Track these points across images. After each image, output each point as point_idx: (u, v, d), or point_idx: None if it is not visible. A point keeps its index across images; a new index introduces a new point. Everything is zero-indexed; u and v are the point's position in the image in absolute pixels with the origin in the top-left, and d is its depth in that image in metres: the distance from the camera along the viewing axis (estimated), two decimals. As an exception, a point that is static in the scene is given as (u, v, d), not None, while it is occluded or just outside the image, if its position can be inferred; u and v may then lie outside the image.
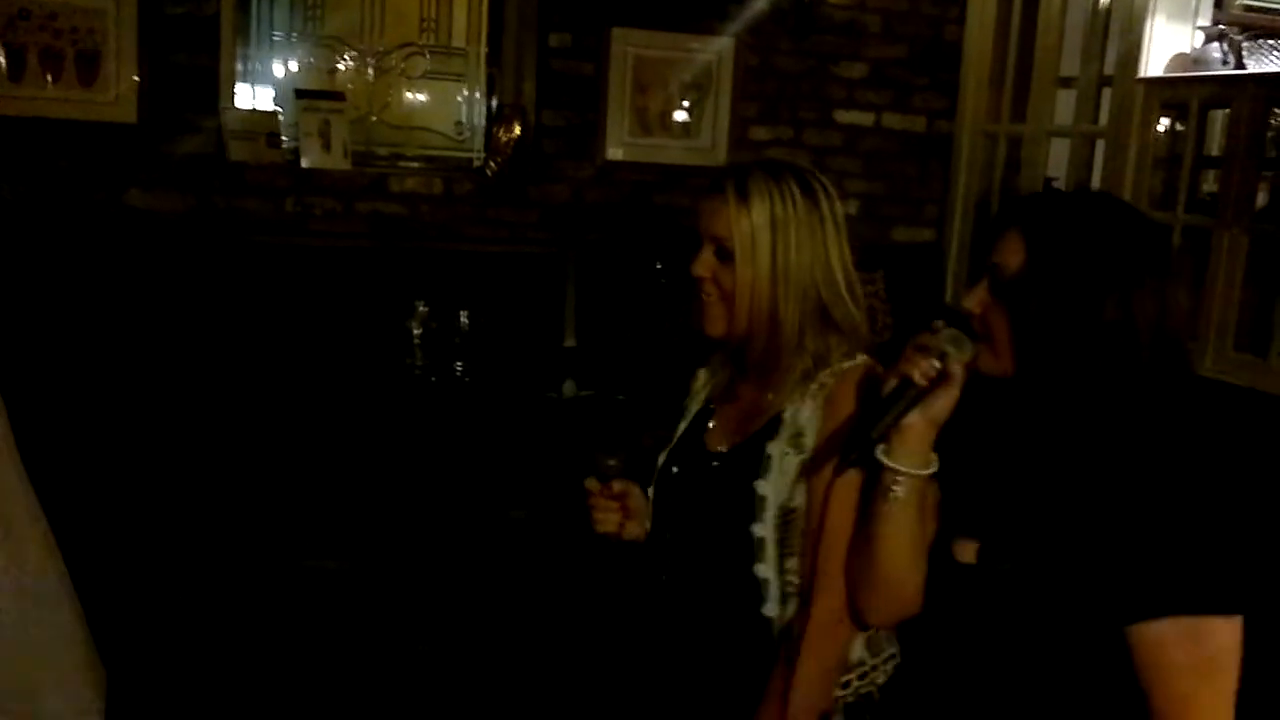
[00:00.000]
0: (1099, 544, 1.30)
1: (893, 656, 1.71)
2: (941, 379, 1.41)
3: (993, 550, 1.42)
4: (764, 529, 1.67)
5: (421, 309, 3.82)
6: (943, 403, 1.43)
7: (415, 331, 3.81)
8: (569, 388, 3.84)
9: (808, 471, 1.65)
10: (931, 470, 1.46)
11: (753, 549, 1.68)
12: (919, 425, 1.43)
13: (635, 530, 1.89)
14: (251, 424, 3.51)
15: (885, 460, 1.45)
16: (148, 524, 3.30)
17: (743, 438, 1.75)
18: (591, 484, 1.86)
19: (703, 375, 1.94)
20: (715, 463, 1.77)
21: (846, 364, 1.69)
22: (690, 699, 1.78)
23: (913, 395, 1.42)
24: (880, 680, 1.70)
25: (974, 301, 1.43)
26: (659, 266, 4.13)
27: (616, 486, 1.86)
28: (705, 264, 1.74)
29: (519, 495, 3.61)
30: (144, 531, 3.27)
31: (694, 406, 1.92)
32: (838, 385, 1.66)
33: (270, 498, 3.42)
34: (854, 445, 1.46)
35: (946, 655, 1.47)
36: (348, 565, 3.41)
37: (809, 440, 1.66)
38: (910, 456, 1.44)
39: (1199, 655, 1.27)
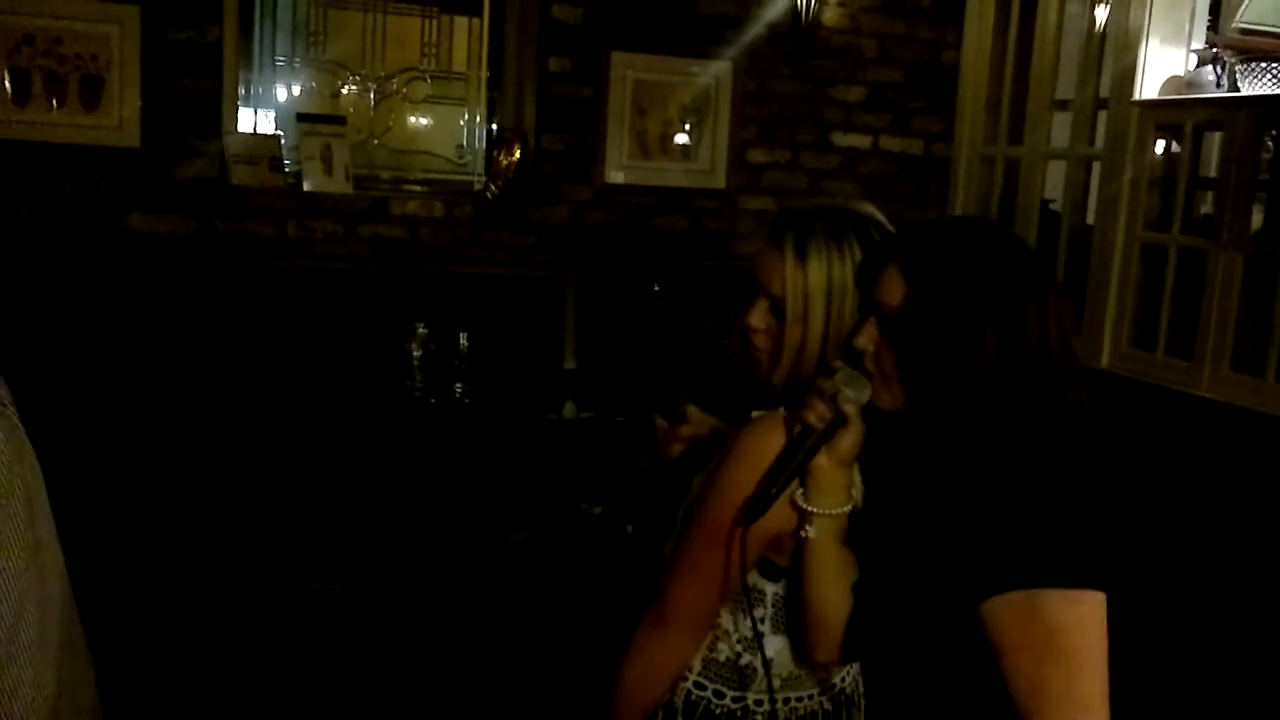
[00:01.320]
0: (955, 536, 1.34)
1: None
2: (840, 420, 1.45)
3: (874, 570, 1.49)
4: (670, 547, 1.72)
5: (421, 331, 3.83)
6: (845, 443, 1.46)
7: (415, 353, 3.83)
8: (569, 409, 3.85)
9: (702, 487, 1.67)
10: (847, 509, 1.50)
11: (671, 530, 1.74)
12: (825, 466, 1.47)
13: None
14: (253, 446, 3.52)
15: (801, 504, 1.49)
16: (149, 545, 3.30)
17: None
18: (659, 420, 1.87)
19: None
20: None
21: (755, 413, 1.70)
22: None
23: (814, 440, 1.46)
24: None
25: (864, 339, 1.46)
26: (658, 289, 4.16)
27: (686, 430, 1.87)
28: (759, 316, 1.70)
29: (519, 517, 3.62)
30: (145, 552, 3.28)
31: None
32: (741, 429, 1.66)
33: (271, 519, 3.43)
34: (763, 495, 1.48)
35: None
36: (348, 587, 3.42)
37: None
38: (823, 497, 1.48)
39: (1033, 632, 1.27)
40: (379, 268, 3.96)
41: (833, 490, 1.49)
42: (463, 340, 3.90)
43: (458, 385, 3.87)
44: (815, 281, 1.63)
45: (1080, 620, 1.28)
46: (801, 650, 1.61)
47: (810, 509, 1.48)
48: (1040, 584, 1.27)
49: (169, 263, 3.73)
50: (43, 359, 3.42)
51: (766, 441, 1.57)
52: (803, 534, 1.50)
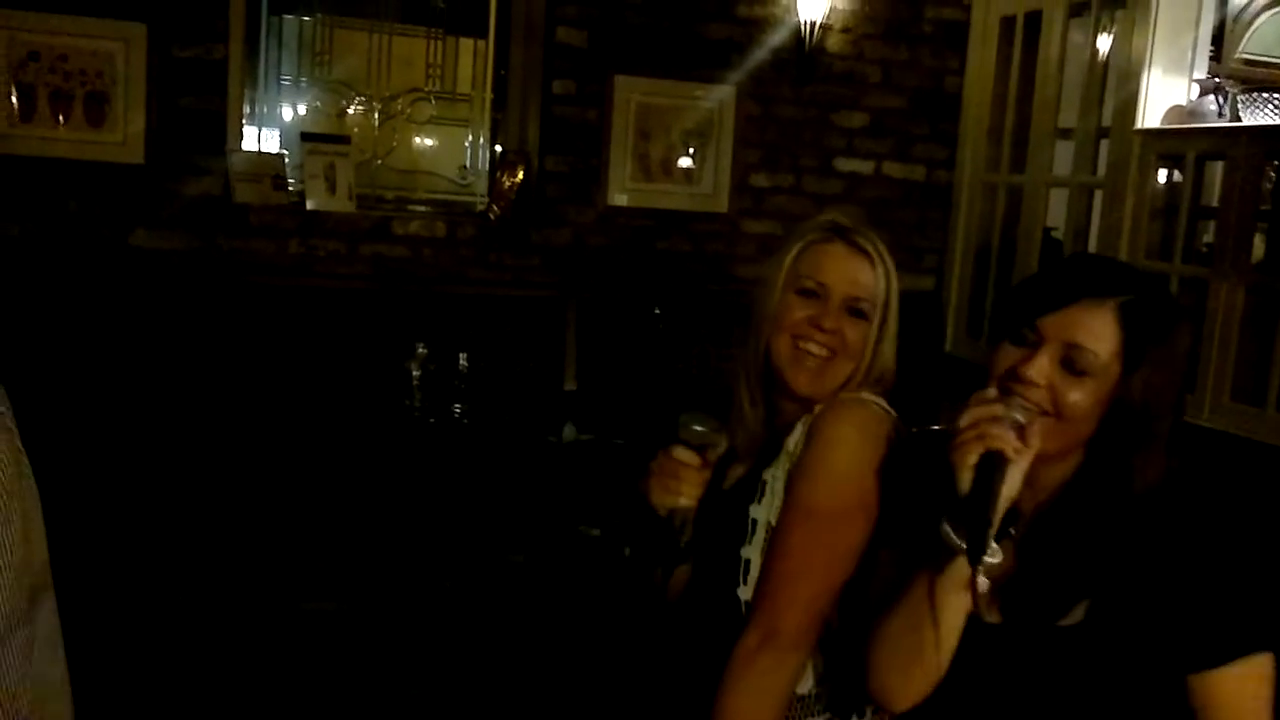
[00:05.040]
0: (1158, 603, 1.32)
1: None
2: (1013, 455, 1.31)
3: (1099, 614, 1.35)
4: (751, 550, 1.65)
5: (421, 351, 3.83)
6: (1018, 479, 1.31)
7: (415, 373, 3.83)
8: (569, 431, 3.84)
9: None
10: (999, 558, 1.31)
11: (738, 572, 1.66)
12: (1001, 508, 1.31)
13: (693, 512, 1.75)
14: (252, 464, 3.51)
15: (986, 553, 1.30)
16: (148, 561, 3.29)
17: (747, 467, 1.73)
18: (687, 455, 1.70)
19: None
20: (724, 490, 1.75)
21: (843, 394, 1.66)
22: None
23: (1003, 473, 1.29)
24: None
25: (1038, 373, 1.33)
26: (659, 312, 4.16)
27: (710, 455, 1.72)
28: (835, 318, 1.67)
29: (517, 539, 3.61)
30: (143, 568, 3.27)
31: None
32: (826, 410, 1.63)
33: (269, 538, 3.42)
34: (979, 536, 1.29)
35: (972, 712, 1.43)
36: (345, 607, 3.40)
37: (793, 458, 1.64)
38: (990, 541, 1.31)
39: (1264, 690, 1.32)
40: (380, 287, 3.96)
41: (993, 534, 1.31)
42: (463, 360, 3.90)
43: (457, 405, 3.86)
44: (896, 284, 1.69)
45: (1264, 683, 1.32)
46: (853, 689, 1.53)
47: (990, 558, 1.30)
48: (1266, 649, 1.31)
49: (172, 279, 3.73)
50: (45, 375, 3.42)
51: (873, 423, 1.58)
52: (977, 583, 1.30)
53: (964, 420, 1.33)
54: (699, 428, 1.69)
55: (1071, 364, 1.33)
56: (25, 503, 1.05)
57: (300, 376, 3.77)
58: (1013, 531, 1.34)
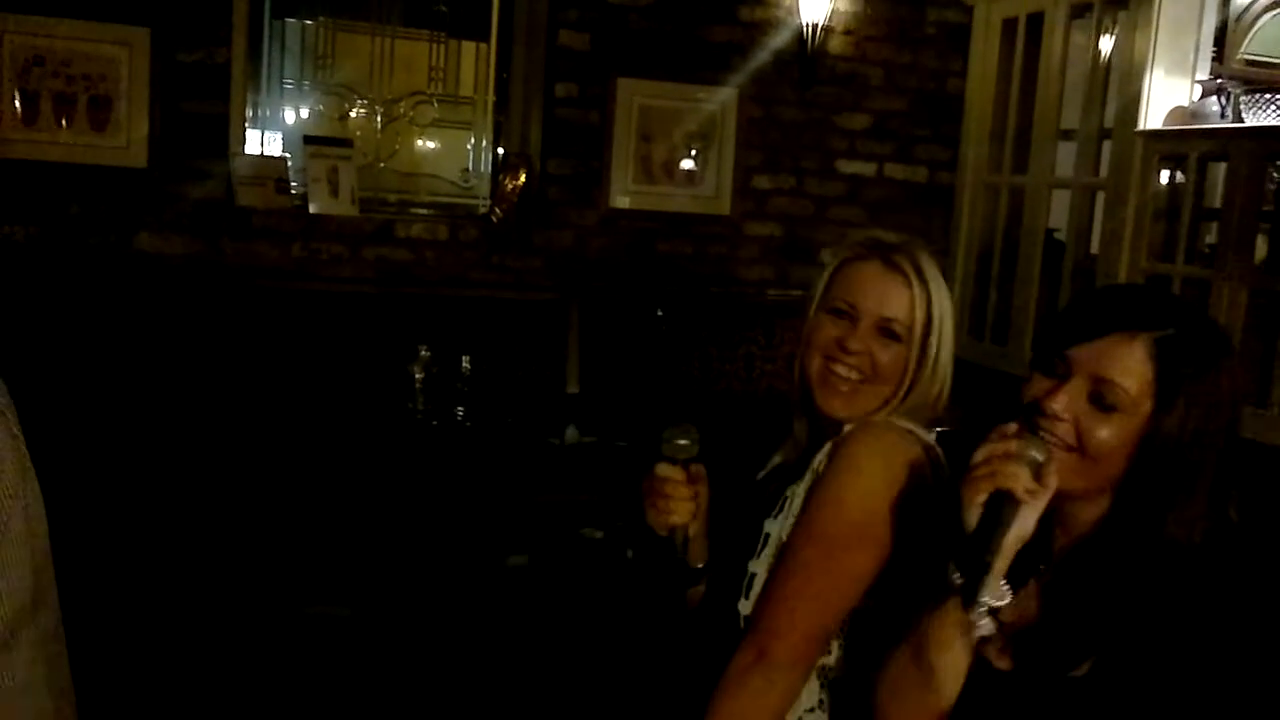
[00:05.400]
0: (1167, 668, 1.22)
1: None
2: (1027, 496, 1.25)
3: (1108, 666, 1.27)
4: (758, 565, 1.62)
5: (424, 353, 3.83)
6: (1031, 520, 1.26)
7: (417, 376, 3.82)
8: (571, 434, 3.84)
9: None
10: (1007, 601, 1.27)
11: (741, 585, 1.63)
12: (1010, 549, 1.26)
13: (698, 529, 1.71)
14: (255, 467, 3.51)
15: (982, 595, 1.25)
16: (151, 565, 3.29)
17: (778, 483, 1.70)
18: (670, 470, 1.65)
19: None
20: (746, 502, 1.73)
21: (874, 418, 1.63)
22: None
23: (1013, 513, 1.24)
24: None
25: (1063, 406, 1.29)
26: (661, 314, 4.16)
27: (694, 469, 1.67)
28: (864, 339, 1.63)
29: (519, 541, 3.61)
30: (146, 572, 3.27)
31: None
32: (851, 433, 1.60)
33: (271, 541, 3.42)
34: (976, 573, 1.25)
35: None
36: (348, 611, 3.40)
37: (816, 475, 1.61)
38: (995, 583, 1.26)
39: None
40: (383, 290, 3.97)
41: (998, 577, 1.26)
42: (465, 363, 3.90)
43: (459, 408, 3.87)
44: (940, 307, 1.64)
45: None
46: None
47: (988, 601, 1.26)
48: None
49: (175, 283, 3.74)
50: (48, 379, 3.43)
51: (898, 451, 1.52)
52: (975, 629, 1.27)
53: (979, 455, 1.29)
54: (681, 441, 1.66)
55: (1100, 399, 1.28)
56: (30, 506, 1.06)
57: (303, 380, 3.77)
58: (1040, 570, 1.30)
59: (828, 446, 1.62)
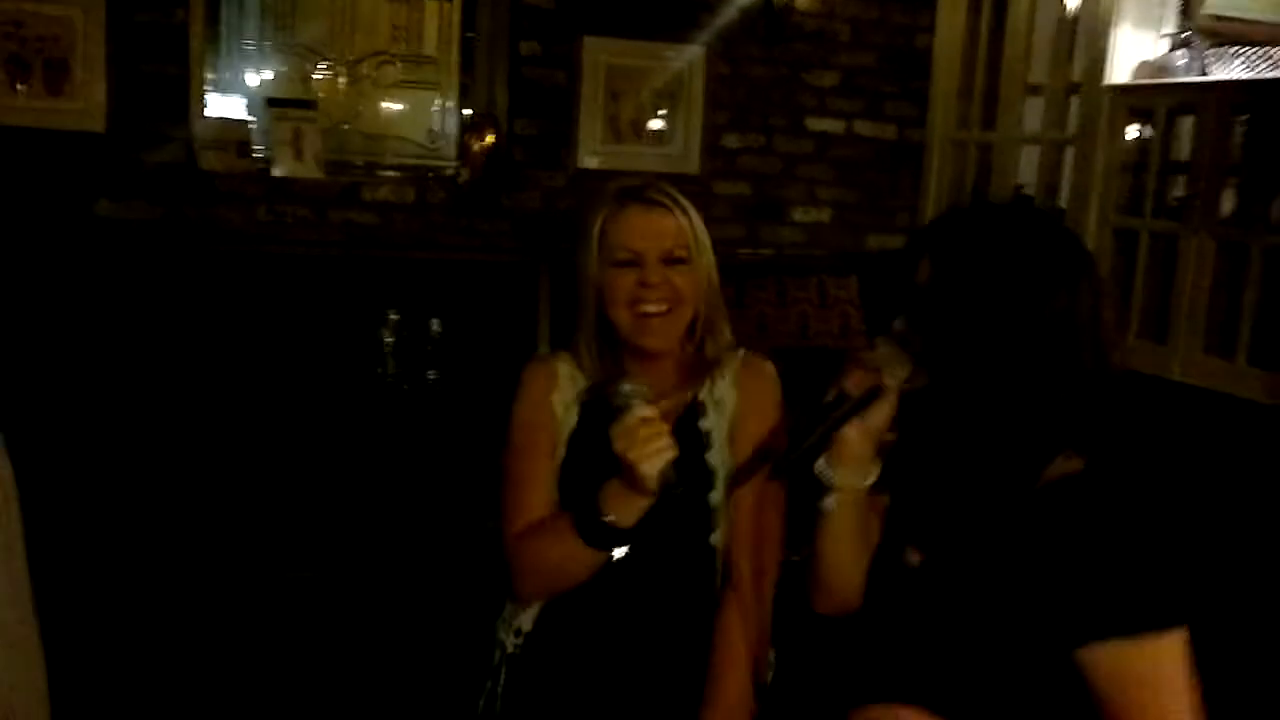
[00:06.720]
0: (1042, 568, 1.31)
1: None
2: (876, 393, 1.46)
3: (935, 560, 1.44)
4: (718, 497, 1.77)
5: (393, 317, 3.80)
6: (877, 416, 1.48)
7: (387, 339, 3.79)
8: (542, 396, 3.82)
9: (736, 474, 1.76)
10: (869, 482, 1.51)
11: (710, 519, 1.77)
12: (854, 438, 1.49)
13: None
14: (223, 433, 3.49)
15: (823, 474, 1.51)
16: (123, 533, 3.27)
17: (671, 423, 1.72)
18: (649, 409, 1.64)
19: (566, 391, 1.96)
20: None
21: (741, 351, 1.86)
22: (647, 673, 1.80)
23: (848, 408, 1.47)
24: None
25: (899, 321, 1.48)
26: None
27: (664, 404, 1.72)
28: (658, 273, 1.77)
29: (493, 504, 3.60)
30: (117, 540, 3.25)
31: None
32: (743, 367, 1.84)
33: (241, 507, 3.40)
34: (791, 454, 1.51)
35: (887, 653, 1.49)
36: (321, 575, 3.39)
37: (729, 409, 1.81)
38: (846, 468, 1.50)
39: (1144, 675, 1.28)
40: (350, 253, 3.93)
41: (857, 462, 1.50)
42: (435, 326, 3.87)
43: (430, 371, 3.84)
44: (697, 221, 1.84)
45: (1182, 656, 1.28)
46: None
47: (834, 480, 1.51)
48: (1145, 630, 1.27)
49: (137, 249, 3.68)
50: (9, 347, 3.38)
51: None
52: (824, 506, 1.52)
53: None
54: (628, 386, 1.67)
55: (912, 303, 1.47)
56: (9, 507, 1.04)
57: (271, 345, 3.73)
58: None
59: (719, 383, 1.81)
